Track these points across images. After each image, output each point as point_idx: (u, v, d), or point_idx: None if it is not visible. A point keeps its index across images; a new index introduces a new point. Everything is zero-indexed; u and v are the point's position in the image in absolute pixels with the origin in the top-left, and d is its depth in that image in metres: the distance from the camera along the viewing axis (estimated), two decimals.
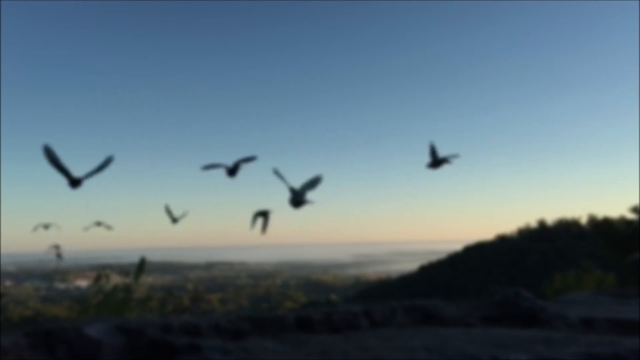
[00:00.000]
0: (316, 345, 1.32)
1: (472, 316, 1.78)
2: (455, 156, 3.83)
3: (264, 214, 3.71)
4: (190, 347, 1.22)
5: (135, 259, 4.36)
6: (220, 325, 1.44)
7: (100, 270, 4.41)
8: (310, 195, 3.45)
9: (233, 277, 78.21)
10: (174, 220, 4.41)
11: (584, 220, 53.05)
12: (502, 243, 59.76)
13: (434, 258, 62.30)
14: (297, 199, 3.35)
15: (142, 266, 4.25)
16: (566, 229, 56.42)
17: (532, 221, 62.62)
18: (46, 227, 4.93)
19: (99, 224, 4.89)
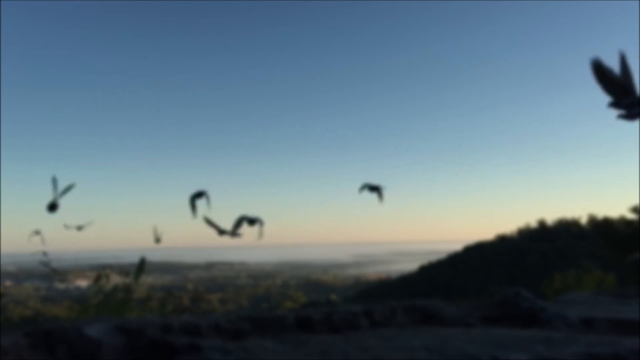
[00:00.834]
0: (316, 345, 1.32)
1: (472, 316, 1.78)
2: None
3: (252, 221, 3.62)
4: (190, 347, 1.22)
5: (135, 259, 4.35)
6: (220, 325, 1.43)
7: (100, 270, 4.41)
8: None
9: (233, 277, 78.21)
10: (221, 232, 4.27)
11: (584, 220, 53.10)
12: (502, 243, 59.76)
13: (434, 258, 62.32)
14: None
15: (142, 266, 4.24)
16: (566, 229, 56.41)
17: (532, 221, 62.68)
18: (37, 233, 4.92)
19: (79, 228, 4.87)
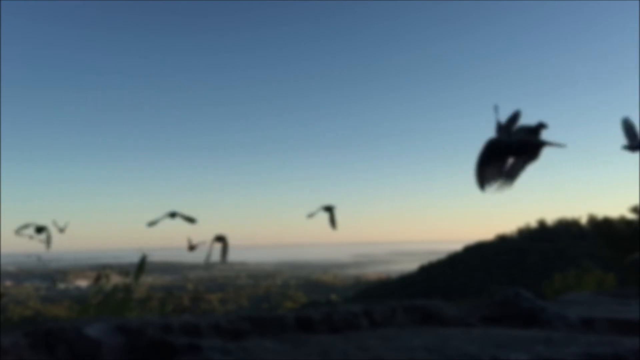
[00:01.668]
0: (316, 345, 1.32)
1: (472, 316, 1.78)
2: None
3: (329, 209, 3.60)
4: (190, 347, 1.22)
5: (135, 259, 4.36)
6: (220, 325, 1.43)
7: (100, 270, 4.42)
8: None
9: (233, 277, 78.19)
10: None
11: (584, 220, 53.10)
12: (502, 243, 59.78)
13: (434, 258, 62.34)
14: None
15: (142, 265, 4.25)
16: (566, 229, 56.43)
17: (532, 221, 62.70)
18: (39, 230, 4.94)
19: (61, 230, 4.91)
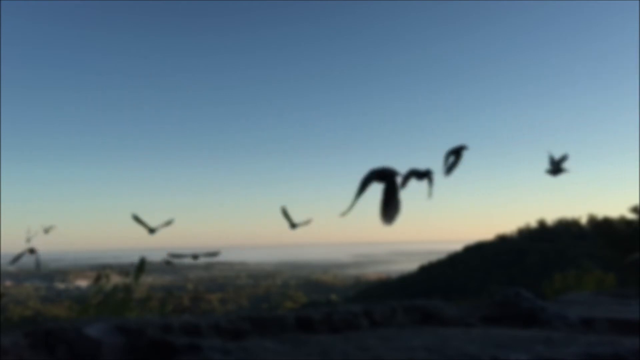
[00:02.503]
0: (316, 345, 1.32)
1: (472, 316, 1.78)
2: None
3: (422, 175, 3.13)
4: (190, 347, 1.22)
5: (135, 259, 4.36)
6: (220, 325, 1.43)
7: (100, 270, 4.41)
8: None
9: (233, 277, 78.21)
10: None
11: (584, 220, 53.06)
12: (502, 243, 59.74)
13: (434, 258, 62.30)
14: None
15: (142, 266, 4.25)
16: (566, 229, 56.40)
17: (532, 221, 62.65)
18: (47, 231, 4.97)
19: (46, 231, 4.95)
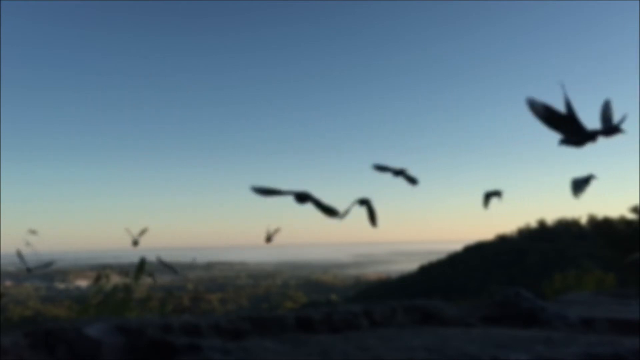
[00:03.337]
0: (316, 345, 1.32)
1: (472, 316, 1.78)
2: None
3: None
4: (190, 347, 1.22)
5: (135, 259, 4.36)
6: (220, 325, 1.43)
7: (100, 270, 4.41)
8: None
9: (233, 277, 78.23)
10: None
11: (584, 220, 53.00)
12: (502, 243, 59.75)
13: (434, 258, 62.30)
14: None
15: (142, 266, 4.25)
16: (566, 229, 56.40)
17: (532, 221, 62.64)
18: (33, 232, 5.04)
19: (33, 232, 5.01)
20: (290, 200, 3.46)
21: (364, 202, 3.24)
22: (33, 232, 4.97)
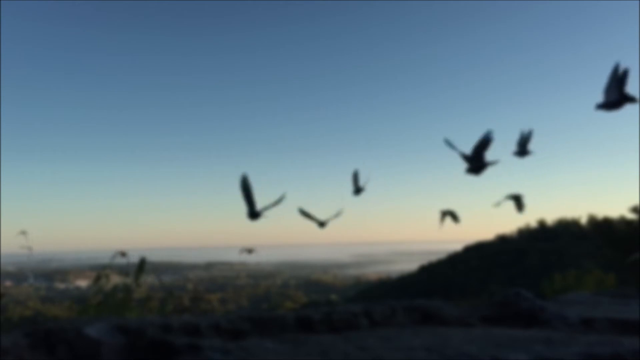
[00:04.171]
0: (316, 345, 1.32)
1: (472, 316, 1.78)
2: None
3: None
4: (190, 347, 1.22)
5: (135, 259, 4.36)
6: (220, 325, 1.44)
7: (100, 270, 4.41)
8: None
9: (233, 277, 78.19)
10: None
11: (584, 220, 52.98)
12: (502, 243, 59.74)
13: (434, 258, 62.26)
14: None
15: (142, 266, 4.24)
16: (566, 229, 56.37)
17: (532, 221, 62.58)
18: (23, 233, 5.10)
19: (23, 232, 5.07)
20: (290, 200, 3.48)
21: (516, 198, 3.42)
22: (23, 232, 5.02)
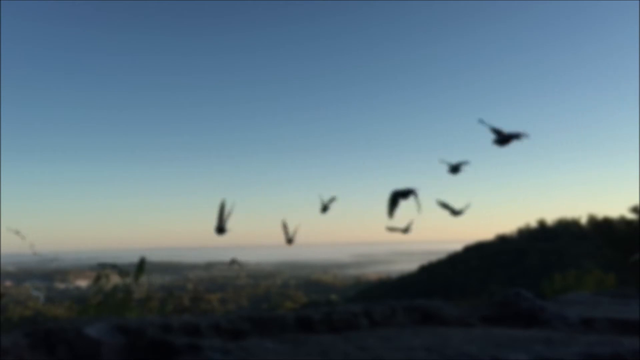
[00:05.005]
0: (316, 345, 1.33)
1: (472, 316, 1.78)
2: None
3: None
4: (190, 347, 1.22)
5: (135, 259, 4.36)
6: (220, 325, 1.44)
7: (100, 270, 4.41)
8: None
9: (233, 277, 78.16)
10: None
11: (584, 220, 53.02)
12: (502, 243, 59.78)
13: (434, 258, 62.27)
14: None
15: (142, 266, 4.25)
16: (566, 229, 56.39)
17: (532, 221, 62.62)
18: (17, 232, 5.11)
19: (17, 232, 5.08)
20: (290, 200, 3.49)
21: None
22: (16, 232, 5.02)
